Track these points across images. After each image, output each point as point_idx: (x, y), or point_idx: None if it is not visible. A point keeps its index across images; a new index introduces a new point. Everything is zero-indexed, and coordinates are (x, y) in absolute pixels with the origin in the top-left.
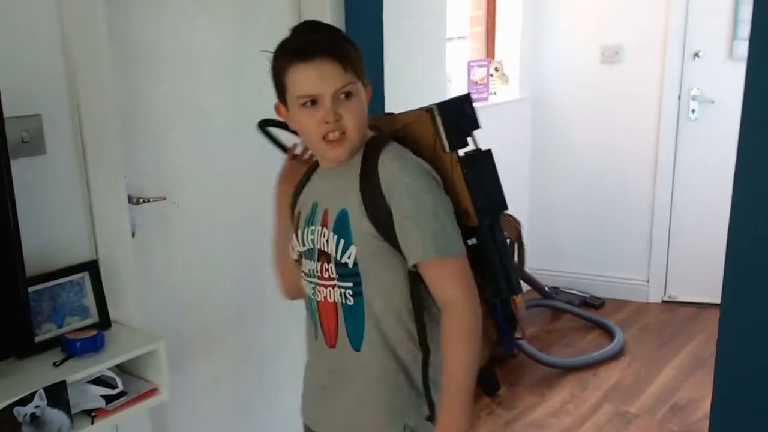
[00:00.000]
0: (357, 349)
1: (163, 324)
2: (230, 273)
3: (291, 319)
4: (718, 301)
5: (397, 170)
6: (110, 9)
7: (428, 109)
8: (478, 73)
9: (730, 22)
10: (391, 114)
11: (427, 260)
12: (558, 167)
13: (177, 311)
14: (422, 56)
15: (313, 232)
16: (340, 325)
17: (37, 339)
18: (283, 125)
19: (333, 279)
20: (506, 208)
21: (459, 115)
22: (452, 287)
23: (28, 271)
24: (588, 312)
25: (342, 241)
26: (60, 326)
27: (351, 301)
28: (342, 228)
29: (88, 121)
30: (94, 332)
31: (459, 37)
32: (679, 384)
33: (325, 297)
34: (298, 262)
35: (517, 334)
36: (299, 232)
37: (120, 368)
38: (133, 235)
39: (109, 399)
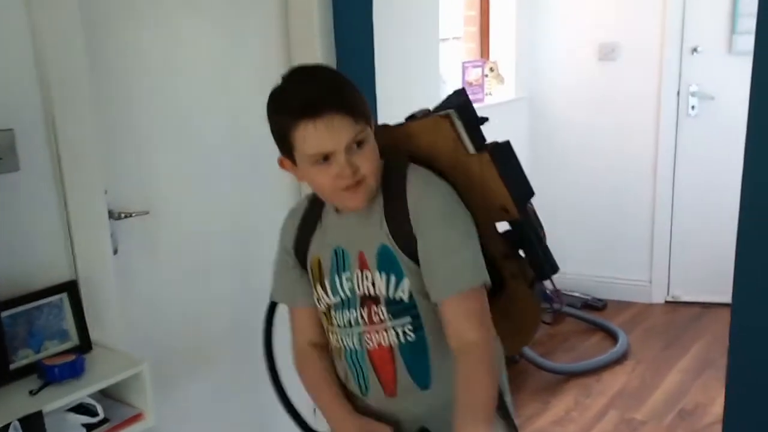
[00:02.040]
0: (425, 387)
1: (149, 345)
2: (219, 289)
3: (288, 336)
4: (722, 300)
5: (424, 197)
6: (87, 18)
7: (445, 115)
8: (473, 74)
9: (729, 16)
10: (392, 125)
11: (457, 294)
12: (557, 167)
13: (163, 331)
14: (414, 57)
15: (349, 279)
16: (399, 369)
17: (13, 366)
18: None
19: (383, 321)
20: (534, 193)
21: (470, 113)
22: (474, 329)
23: (2, 294)
24: (590, 314)
25: (393, 277)
26: (37, 351)
27: (412, 337)
28: (388, 263)
29: (63, 135)
30: (73, 357)
31: (453, 38)
32: (686, 388)
33: (379, 343)
34: (326, 314)
35: (557, 305)
36: (326, 283)
37: (103, 393)
38: (116, 252)
39: (90, 427)
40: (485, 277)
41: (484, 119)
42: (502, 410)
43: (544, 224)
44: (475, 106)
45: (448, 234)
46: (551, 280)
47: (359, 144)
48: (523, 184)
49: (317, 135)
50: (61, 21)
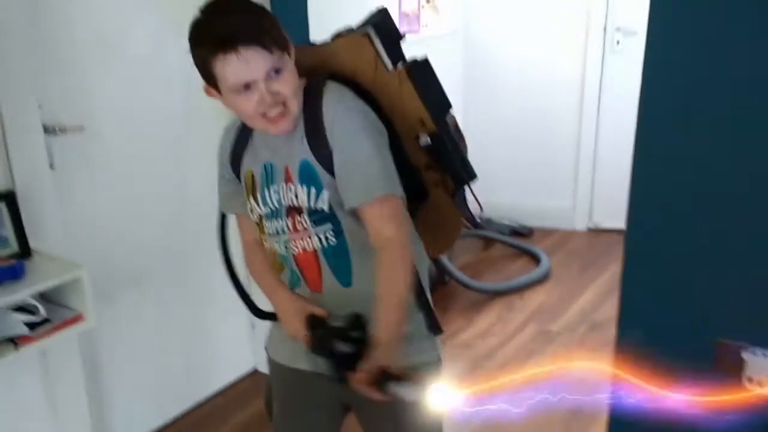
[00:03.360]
0: (347, 285)
1: (88, 255)
2: (155, 203)
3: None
4: None
5: (338, 113)
6: None
7: (364, 33)
8: (409, 4)
9: None
10: (317, 44)
11: (372, 200)
12: (489, 99)
13: (102, 242)
14: None
15: (277, 192)
16: (323, 269)
17: None
18: None
19: (307, 229)
20: (451, 106)
21: (389, 30)
22: (392, 227)
23: None
24: (517, 240)
25: (313, 189)
26: None
27: (333, 242)
28: (309, 177)
29: None
30: (13, 261)
31: None
32: (599, 304)
33: (303, 248)
34: (258, 224)
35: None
36: (258, 195)
37: (45, 298)
38: (53, 167)
39: (33, 327)
40: (397, 188)
41: (402, 35)
42: (422, 300)
43: (477, 154)
44: (411, 36)
45: (360, 148)
46: (471, 189)
47: (277, 71)
48: (439, 97)
49: (235, 67)
50: None
